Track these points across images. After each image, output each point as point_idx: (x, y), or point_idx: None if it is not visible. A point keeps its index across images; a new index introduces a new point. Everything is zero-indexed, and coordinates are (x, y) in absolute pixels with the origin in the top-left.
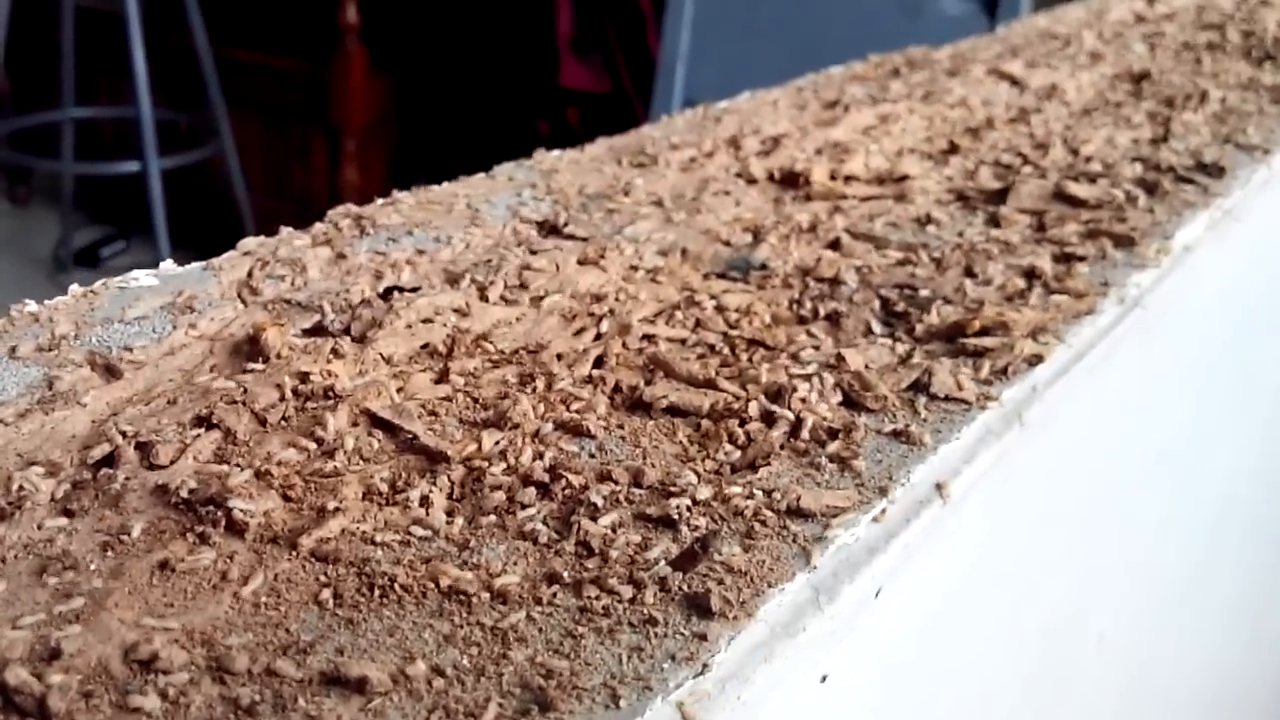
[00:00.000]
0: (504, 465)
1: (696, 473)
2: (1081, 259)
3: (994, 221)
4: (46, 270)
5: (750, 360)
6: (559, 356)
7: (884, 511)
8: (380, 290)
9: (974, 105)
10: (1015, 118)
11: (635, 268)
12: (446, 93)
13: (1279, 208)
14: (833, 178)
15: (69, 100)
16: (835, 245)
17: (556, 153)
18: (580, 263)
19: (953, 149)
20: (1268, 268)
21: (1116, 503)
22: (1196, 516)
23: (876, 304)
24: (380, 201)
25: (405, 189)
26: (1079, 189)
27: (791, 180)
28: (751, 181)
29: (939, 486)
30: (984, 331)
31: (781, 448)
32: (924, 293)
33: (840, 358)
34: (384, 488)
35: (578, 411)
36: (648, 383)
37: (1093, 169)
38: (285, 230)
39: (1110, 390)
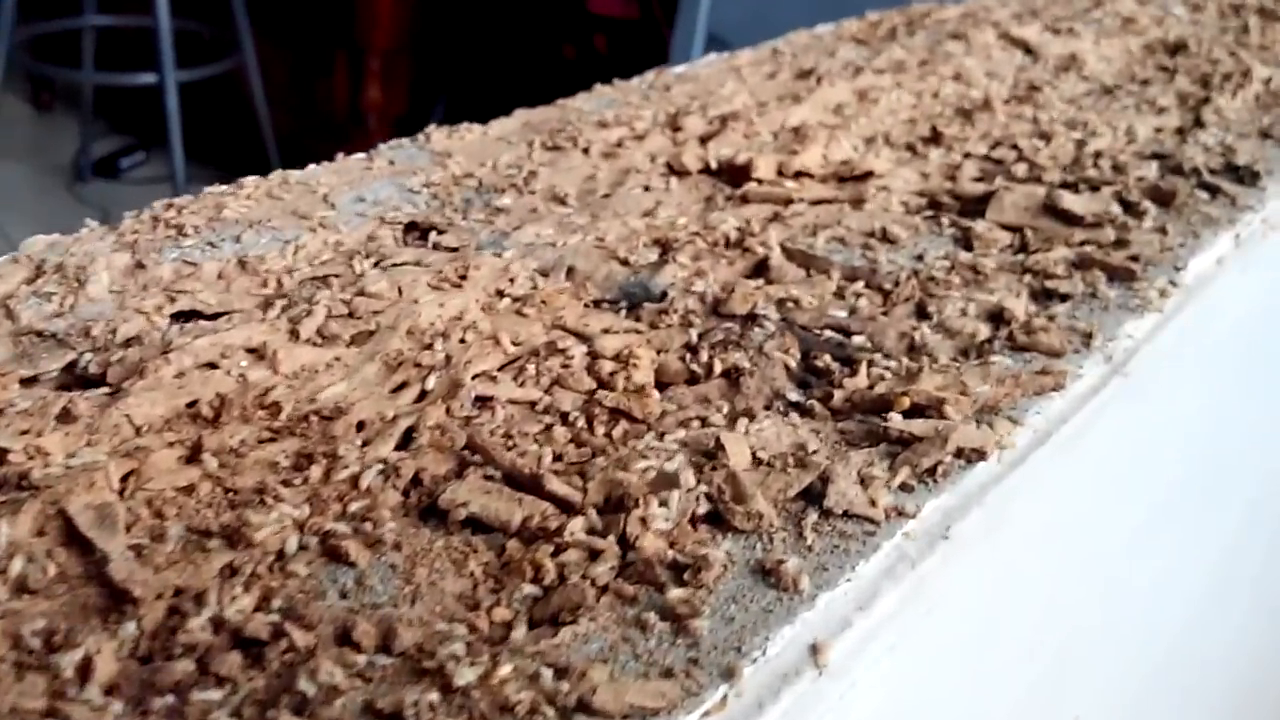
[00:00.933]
0: (212, 612)
1: (473, 629)
2: (1064, 298)
3: (965, 240)
4: (66, 180)
5: (608, 439)
6: (359, 426)
7: (723, 702)
8: (169, 317)
9: (973, 79)
10: (1020, 96)
11: (502, 293)
12: (473, 14)
13: None
14: (780, 173)
15: (90, 7)
16: (761, 269)
17: (464, 127)
18: (434, 285)
19: (934, 138)
20: None
21: (1072, 642)
22: (1180, 622)
23: (794, 356)
24: (221, 189)
25: (428, 110)
26: (1074, 201)
27: (730, 174)
28: (682, 174)
29: (814, 651)
30: (916, 411)
31: (602, 592)
32: (857, 340)
33: (719, 445)
34: (35, 643)
35: (351, 519)
36: (458, 473)
37: (1098, 171)
38: (90, 225)
39: (1077, 485)
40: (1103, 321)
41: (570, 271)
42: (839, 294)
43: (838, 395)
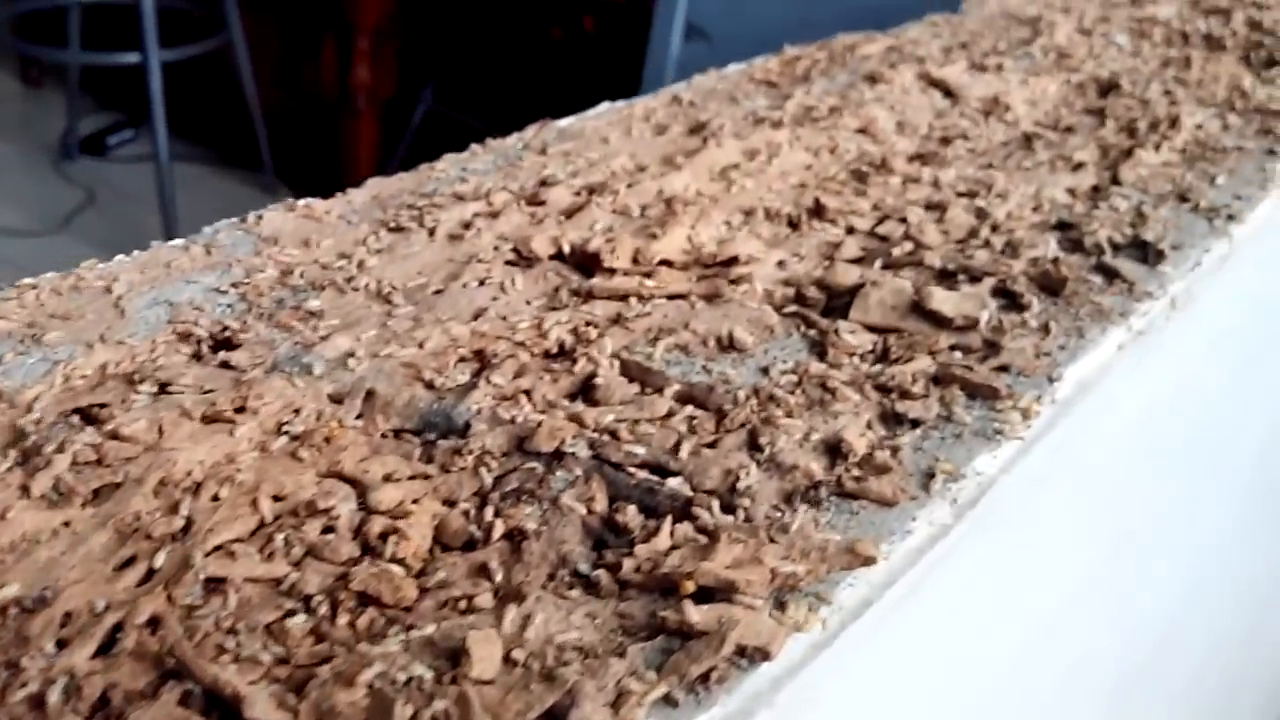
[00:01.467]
0: None
1: None
2: (915, 424)
3: (821, 348)
4: (53, 157)
5: (351, 631)
6: (63, 620)
7: None
8: None
9: (880, 131)
10: (926, 154)
11: (283, 428)
12: None
13: (1233, 299)
14: (636, 260)
15: None
16: (585, 388)
17: (306, 205)
18: (207, 419)
19: (817, 211)
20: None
21: None
22: None
23: (599, 506)
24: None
25: (418, 91)
26: (944, 299)
27: (582, 262)
28: (530, 262)
29: None
30: (705, 595)
31: None
32: (673, 483)
33: (465, 652)
34: None
35: None
36: (154, 690)
37: (988, 252)
38: None
39: (910, 653)
40: (951, 454)
41: (369, 396)
42: (668, 418)
43: (627, 565)
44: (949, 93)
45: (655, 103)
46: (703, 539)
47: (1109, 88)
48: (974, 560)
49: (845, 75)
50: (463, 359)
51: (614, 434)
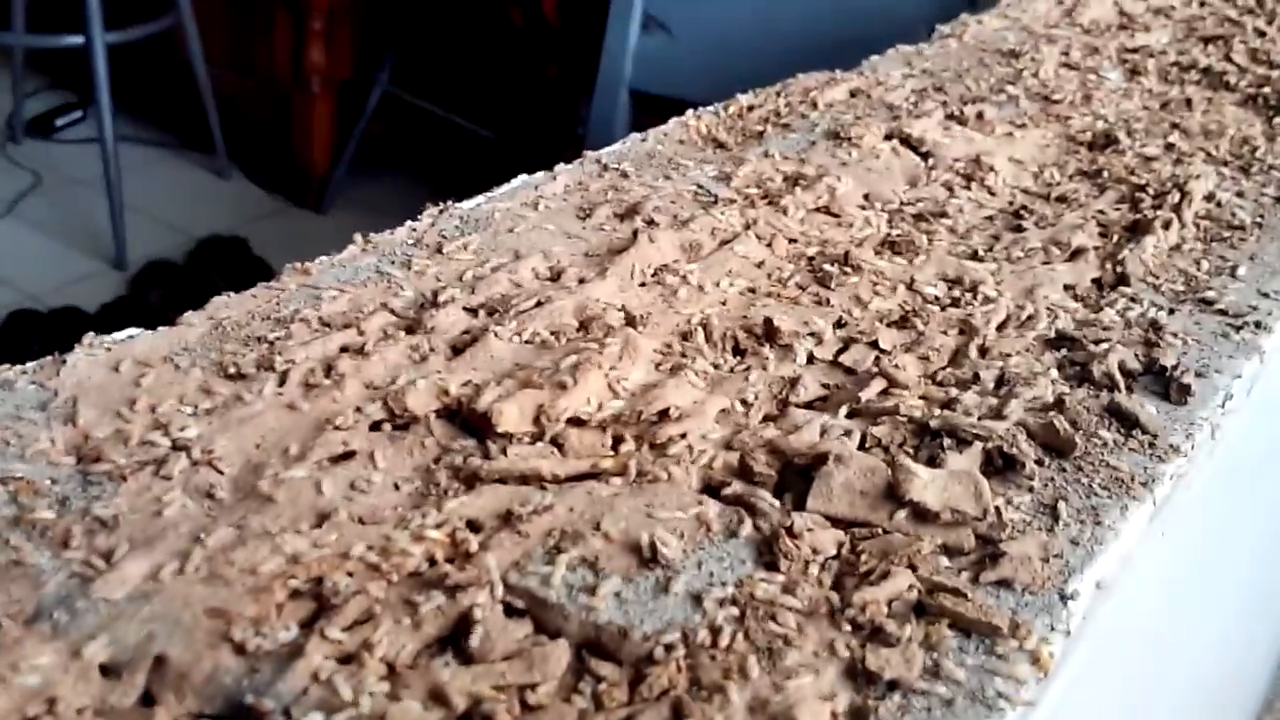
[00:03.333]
0: None
1: None
2: (892, 687)
3: (771, 555)
4: None
5: None
6: None
7: None
8: None
9: (845, 210)
10: (897, 241)
11: None
12: None
13: (1262, 425)
14: (539, 422)
15: None
16: (461, 634)
17: (122, 339)
18: None
19: (769, 334)
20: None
21: None
22: None
23: None
24: None
25: (374, 73)
26: (923, 486)
27: (473, 424)
28: (406, 424)
29: None
30: None
31: None
32: None
33: None
34: None
35: None
36: None
37: (977, 396)
38: None
39: None
40: None
41: (159, 664)
42: (565, 683)
43: None
44: (923, 153)
45: (580, 174)
46: None
47: (1105, 142)
48: None
49: (805, 131)
50: (295, 594)
51: (488, 717)
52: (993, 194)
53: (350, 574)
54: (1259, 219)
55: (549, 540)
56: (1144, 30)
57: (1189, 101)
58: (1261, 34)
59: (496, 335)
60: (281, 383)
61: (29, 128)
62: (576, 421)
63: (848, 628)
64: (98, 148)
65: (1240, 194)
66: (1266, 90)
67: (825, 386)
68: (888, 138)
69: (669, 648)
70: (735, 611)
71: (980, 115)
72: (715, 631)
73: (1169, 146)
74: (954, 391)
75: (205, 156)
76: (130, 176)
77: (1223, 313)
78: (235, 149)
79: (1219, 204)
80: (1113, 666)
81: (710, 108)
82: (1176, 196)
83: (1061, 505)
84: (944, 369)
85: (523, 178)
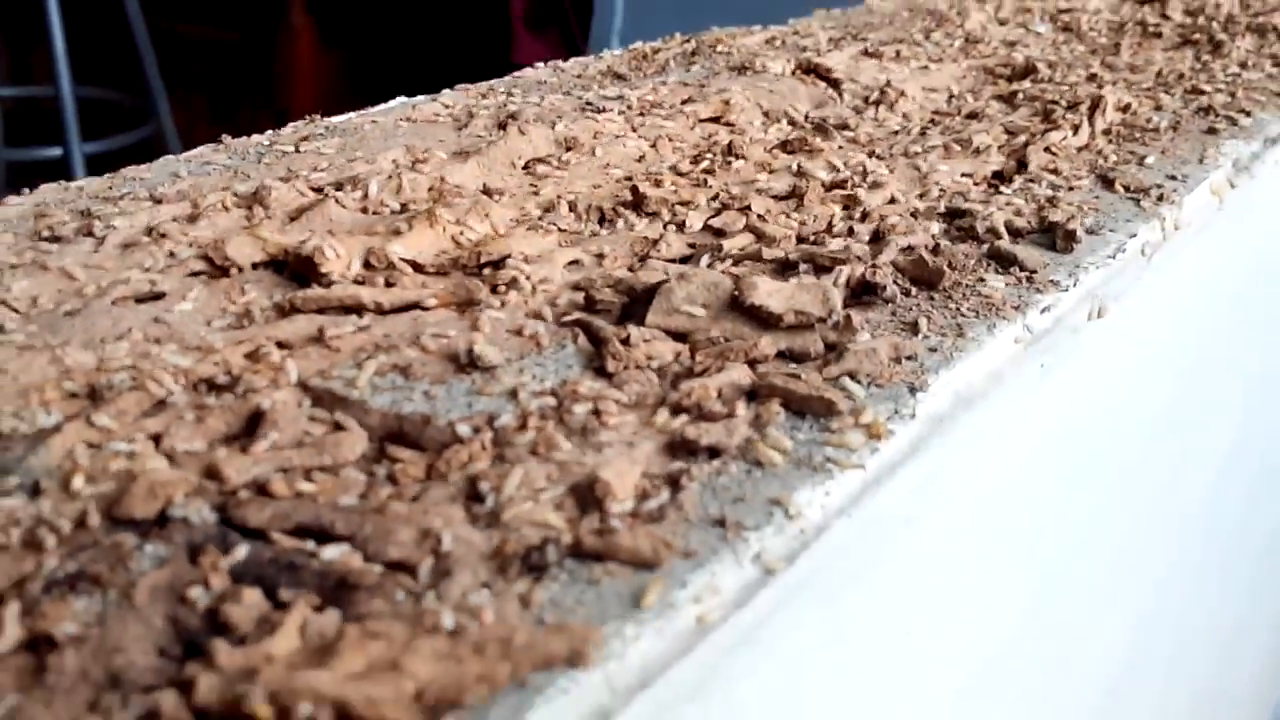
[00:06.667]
0: None
1: None
2: (714, 453)
3: (601, 362)
4: None
5: None
6: None
7: None
8: None
9: (740, 120)
10: (794, 141)
11: None
12: (398, 71)
13: (1174, 296)
14: (370, 266)
15: None
16: (253, 425)
17: None
18: None
19: (637, 202)
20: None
21: None
22: None
23: (198, 597)
24: None
25: None
26: (772, 291)
27: (300, 271)
28: (223, 272)
29: None
30: None
31: None
32: (326, 557)
33: None
34: None
35: None
36: None
37: (851, 239)
38: None
39: None
40: (760, 491)
41: None
42: (359, 464)
43: (204, 683)
44: (831, 81)
45: (463, 97)
46: (334, 637)
47: (1025, 72)
48: (790, 649)
49: (705, 66)
50: (70, 395)
51: (264, 488)
52: (900, 115)
53: (134, 377)
54: (1176, 123)
55: (359, 354)
56: None
57: (1117, 46)
58: None
59: (338, 201)
60: (99, 244)
61: None
62: (414, 266)
63: (673, 413)
64: None
65: (1158, 107)
66: (1197, 36)
67: (691, 246)
68: (797, 68)
69: (476, 429)
70: (553, 402)
71: (897, 54)
72: (526, 416)
73: (1091, 77)
74: (824, 242)
75: None
76: None
77: (1125, 188)
78: None
79: (1134, 113)
80: (978, 478)
81: (612, 50)
82: (1089, 106)
83: (923, 321)
84: (822, 231)
85: (401, 99)
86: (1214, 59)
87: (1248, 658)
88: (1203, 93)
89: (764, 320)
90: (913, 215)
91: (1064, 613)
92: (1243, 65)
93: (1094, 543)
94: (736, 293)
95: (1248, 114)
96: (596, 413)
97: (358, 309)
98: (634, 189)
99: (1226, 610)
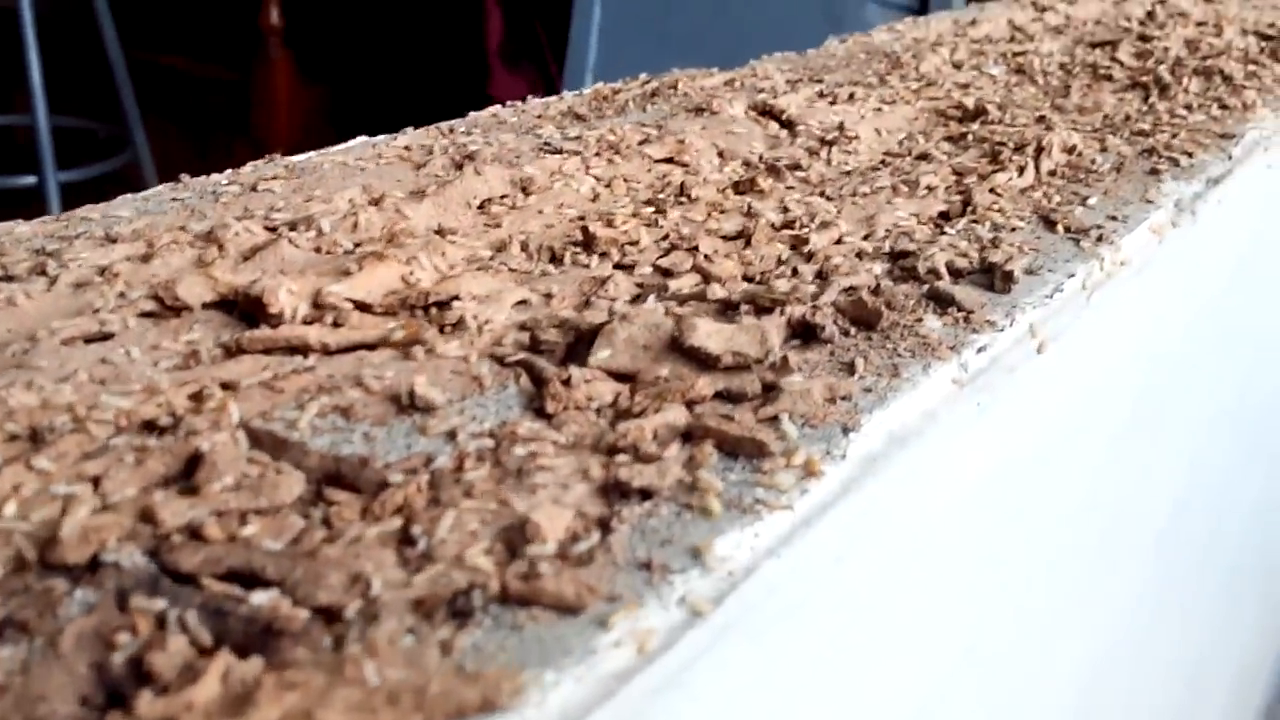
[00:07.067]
0: None
1: None
2: (644, 496)
3: (539, 401)
4: None
5: None
6: None
7: None
8: None
9: (695, 161)
10: (744, 182)
11: None
12: (375, 104)
13: (1117, 336)
14: (318, 305)
15: None
16: (192, 467)
17: None
18: None
19: (587, 242)
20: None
21: None
22: None
23: (125, 643)
24: None
25: None
26: (708, 334)
27: (249, 311)
28: (174, 312)
29: None
30: None
31: None
32: (255, 602)
33: None
34: None
35: None
36: None
37: (795, 280)
38: None
39: None
40: (689, 534)
41: None
42: (296, 506)
43: None
44: (786, 122)
45: (424, 137)
46: (253, 685)
47: (975, 114)
48: (718, 691)
49: (665, 107)
50: (11, 437)
51: (199, 532)
52: (852, 154)
53: (76, 420)
54: (1119, 166)
55: (303, 395)
56: (1034, 39)
57: (1068, 88)
58: (1148, 39)
59: (291, 241)
60: (51, 284)
61: None
62: (361, 306)
63: (609, 454)
64: None
65: (1104, 149)
66: (1146, 79)
67: (639, 285)
68: (751, 109)
69: (410, 472)
70: (490, 443)
71: (851, 96)
72: (463, 457)
73: (1040, 119)
74: (769, 282)
75: None
76: None
77: (1067, 229)
78: None
79: (1079, 154)
80: (912, 516)
81: (573, 91)
82: (1037, 148)
83: (860, 362)
84: (768, 271)
85: (362, 138)
86: (1160, 100)
87: (1213, 690)
88: (1147, 134)
89: (703, 361)
90: (858, 256)
91: (1006, 651)
92: (1188, 108)
93: (1037, 580)
94: (677, 334)
95: (1190, 155)
96: (533, 455)
97: (304, 350)
98: (585, 229)
99: (1187, 645)
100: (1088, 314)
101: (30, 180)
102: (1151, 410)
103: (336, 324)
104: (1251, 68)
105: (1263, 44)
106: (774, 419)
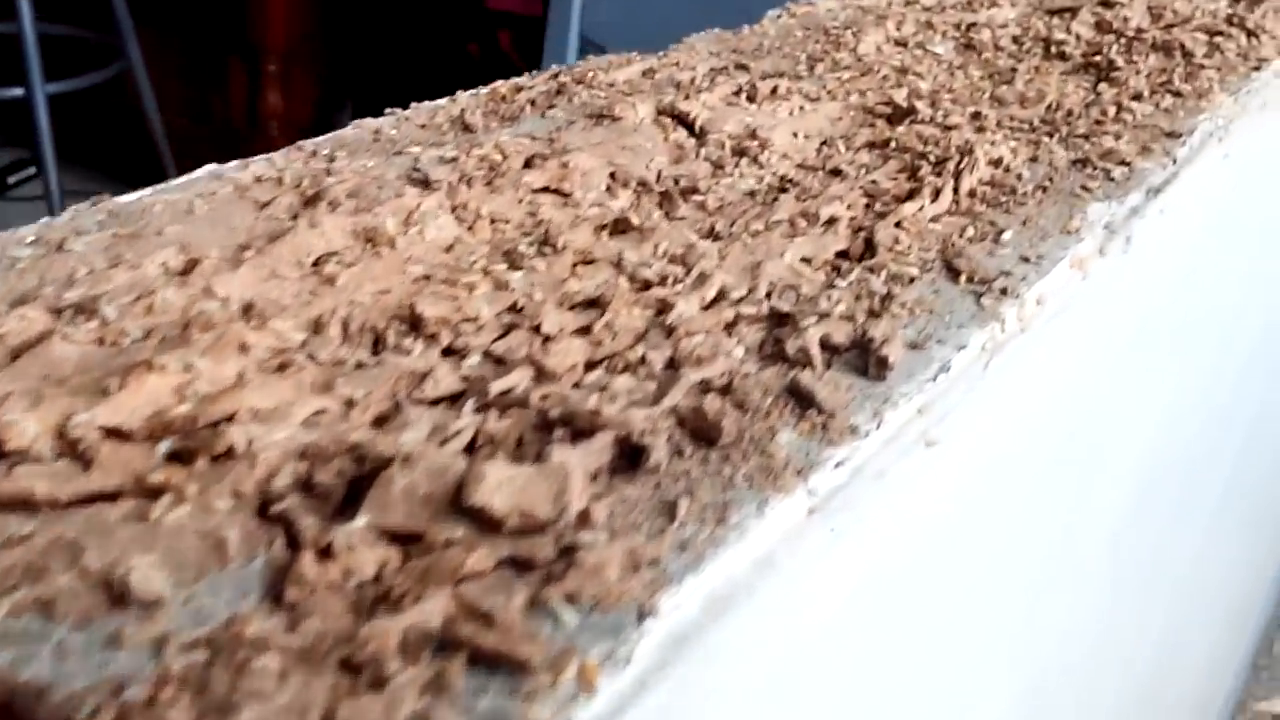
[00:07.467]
0: None
1: None
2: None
3: (279, 584)
4: None
5: None
6: None
7: None
8: None
9: (577, 191)
10: (624, 223)
11: None
12: (374, 14)
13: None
14: (63, 436)
15: None
16: None
17: None
18: None
19: (414, 322)
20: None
21: None
22: None
23: None
24: None
25: (334, 113)
26: (495, 485)
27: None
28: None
29: None
30: None
31: None
32: None
33: None
34: None
35: None
36: None
37: (628, 382)
38: None
39: None
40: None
41: None
42: None
43: None
44: (694, 130)
45: (279, 163)
46: None
47: (905, 114)
48: None
49: (568, 110)
50: None
51: None
52: (761, 168)
53: None
54: (1047, 183)
55: (6, 582)
56: (993, 6)
57: (1013, 71)
58: (1110, 4)
59: (65, 337)
60: None
61: None
62: (117, 434)
63: (343, 672)
64: (43, 205)
65: (1034, 159)
66: (1098, 58)
67: (465, 380)
68: (659, 114)
69: (94, 712)
70: (203, 658)
71: (774, 90)
72: (161, 685)
73: (975, 115)
74: (610, 378)
75: None
76: None
77: (969, 280)
78: None
79: (1006, 169)
80: (731, 688)
81: (473, 90)
82: (958, 163)
83: (683, 502)
84: (615, 355)
85: (210, 167)
86: (1109, 88)
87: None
88: (1086, 138)
89: (485, 522)
90: (727, 328)
91: None
92: (1137, 98)
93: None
94: (461, 485)
95: (1127, 164)
96: (251, 672)
97: (31, 505)
98: (412, 308)
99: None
100: (984, 385)
101: (17, 92)
102: (1075, 472)
103: (86, 461)
104: (1216, 39)
105: (1233, 4)
106: (553, 604)
